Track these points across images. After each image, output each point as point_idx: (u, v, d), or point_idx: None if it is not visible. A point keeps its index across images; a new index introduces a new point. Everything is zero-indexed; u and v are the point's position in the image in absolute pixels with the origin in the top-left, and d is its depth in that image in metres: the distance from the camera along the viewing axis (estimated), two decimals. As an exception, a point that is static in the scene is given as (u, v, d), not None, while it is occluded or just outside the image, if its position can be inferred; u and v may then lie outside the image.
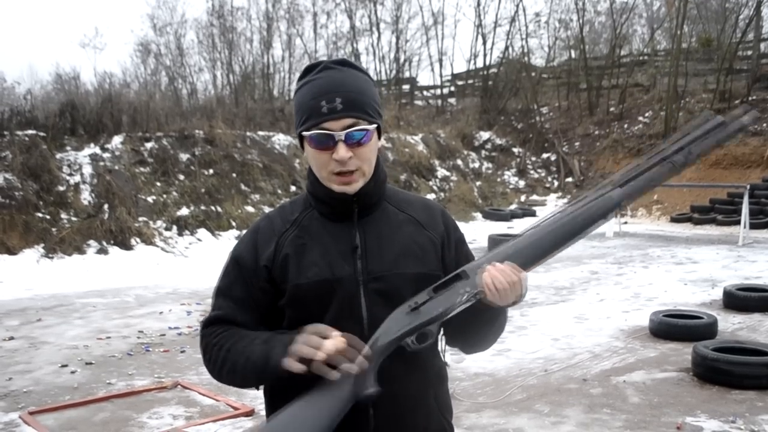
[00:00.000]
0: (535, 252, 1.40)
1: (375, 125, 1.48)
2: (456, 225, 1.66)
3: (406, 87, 28.33)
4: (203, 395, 5.05)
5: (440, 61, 29.44)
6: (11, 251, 10.77)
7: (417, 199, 1.66)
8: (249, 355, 1.43)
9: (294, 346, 1.36)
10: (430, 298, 1.42)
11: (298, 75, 1.59)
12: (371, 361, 1.37)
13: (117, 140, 14.16)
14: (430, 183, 19.55)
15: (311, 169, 1.53)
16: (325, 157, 1.45)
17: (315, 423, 1.34)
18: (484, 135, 23.38)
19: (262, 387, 1.58)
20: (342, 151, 1.43)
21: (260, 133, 17.04)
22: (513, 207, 19.95)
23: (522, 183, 21.80)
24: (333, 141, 1.43)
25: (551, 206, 20.29)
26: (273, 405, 1.55)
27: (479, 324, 1.51)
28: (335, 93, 1.44)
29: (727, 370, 5.01)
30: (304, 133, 1.46)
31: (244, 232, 1.63)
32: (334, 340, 1.34)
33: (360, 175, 1.47)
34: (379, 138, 1.53)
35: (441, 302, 1.42)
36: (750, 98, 19.81)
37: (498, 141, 23.25)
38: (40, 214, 11.67)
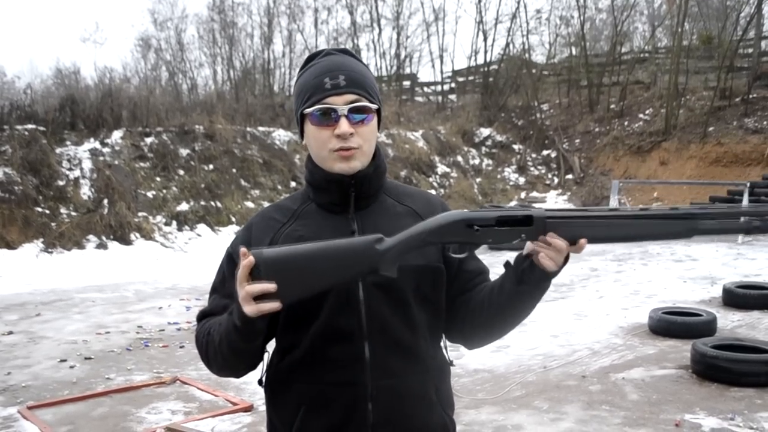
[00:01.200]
0: (604, 234, 1.41)
1: (376, 107, 1.49)
2: None
3: (406, 83, 28.32)
4: (202, 390, 5.05)
5: (441, 57, 29.55)
6: (10, 246, 10.77)
7: (418, 192, 1.66)
8: (222, 328, 1.41)
9: (245, 309, 1.30)
10: (490, 226, 1.40)
11: (298, 71, 1.58)
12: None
13: (117, 135, 14.14)
14: (430, 179, 19.54)
15: (310, 158, 1.53)
16: (326, 134, 1.45)
17: (324, 275, 1.35)
18: (485, 131, 23.37)
19: (260, 383, 1.57)
20: (344, 126, 1.43)
21: (260, 128, 17.03)
22: (513, 204, 19.95)
23: (522, 180, 21.80)
24: (335, 116, 1.44)
25: (551, 203, 20.30)
26: (273, 400, 1.55)
27: (524, 295, 1.47)
28: (338, 71, 1.47)
29: (726, 368, 5.01)
30: (306, 110, 1.46)
31: (237, 231, 1.63)
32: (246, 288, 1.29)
33: (360, 153, 1.47)
34: (379, 128, 1.54)
35: (497, 235, 1.40)
36: (750, 96, 19.78)
37: (498, 138, 23.24)
38: (39, 209, 11.66)
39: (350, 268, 1.37)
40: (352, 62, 1.51)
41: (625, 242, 1.46)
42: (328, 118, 1.44)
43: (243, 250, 1.31)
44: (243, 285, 1.30)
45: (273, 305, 1.29)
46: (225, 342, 1.40)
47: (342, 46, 1.80)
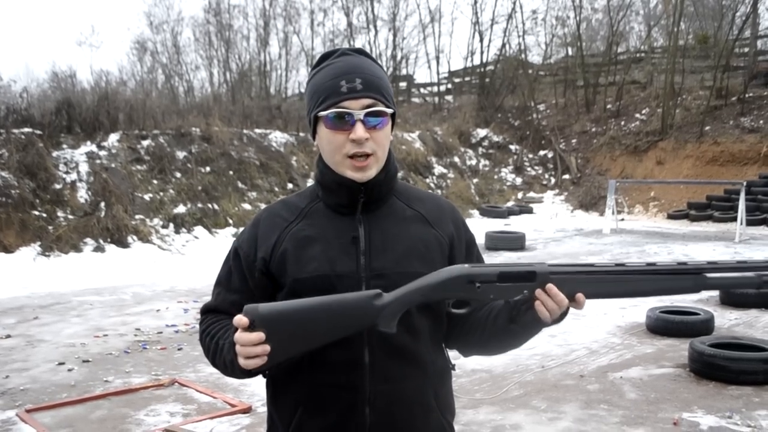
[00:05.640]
0: (609, 290, 1.41)
1: (391, 111, 1.47)
2: (467, 225, 1.64)
3: (403, 84, 28.34)
4: (200, 392, 5.04)
5: (437, 58, 29.60)
6: (8, 249, 10.74)
7: (428, 196, 1.65)
8: (225, 355, 1.44)
9: (239, 360, 1.36)
10: (491, 282, 1.40)
11: (310, 69, 1.57)
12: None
13: (113, 138, 14.13)
14: (427, 180, 19.55)
15: (321, 158, 1.52)
16: (341, 138, 1.43)
17: (319, 334, 1.37)
18: (481, 132, 23.39)
19: (261, 380, 1.58)
20: (360, 131, 1.41)
21: (257, 130, 17.03)
22: (510, 204, 19.96)
23: (519, 180, 21.82)
24: (351, 120, 1.42)
25: (548, 203, 20.32)
26: (274, 397, 1.56)
27: (514, 334, 1.50)
28: (355, 74, 1.44)
29: (724, 366, 5.02)
30: (321, 113, 1.44)
31: (244, 227, 1.63)
32: (248, 349, 1.33)
33: (374, 161, 1.46)
34: (392, 130, 1.53)
35: (499, 291, 1.40)
36: (746, 95, 19.83)
37: (495, 138, 23.26)
38: (36, 212, 11.64)
39: (347, 326, 1.37)
40: (368, 64, 1.48)
41: (631, 297, 1.45)
42: (344, 122, 1.42)
43: (237, 318, 1.34)
44: (238, 341, 1.34)
45: (259, 362, 1.34)
46: (230, 367, 1.44)
47: (357, 46, 1.78)
